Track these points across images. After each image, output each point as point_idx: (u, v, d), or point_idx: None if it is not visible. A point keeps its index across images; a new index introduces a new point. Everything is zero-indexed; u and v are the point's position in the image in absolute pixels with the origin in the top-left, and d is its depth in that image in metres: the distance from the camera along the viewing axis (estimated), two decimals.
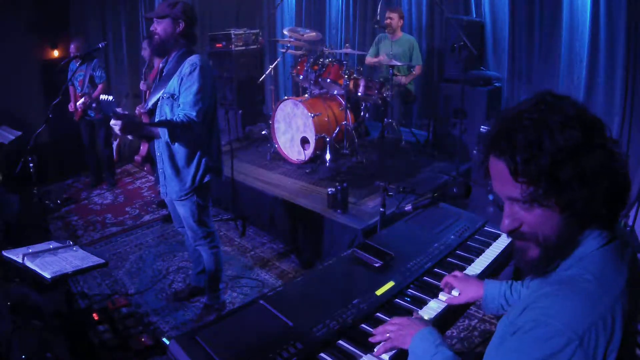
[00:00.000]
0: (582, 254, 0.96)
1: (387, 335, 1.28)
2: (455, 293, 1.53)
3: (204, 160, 2.54)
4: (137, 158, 2.59)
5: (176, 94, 2.39)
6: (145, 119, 2.55)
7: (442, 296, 1.54)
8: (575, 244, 0.97)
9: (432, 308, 1.48)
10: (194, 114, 2.34)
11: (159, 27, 2.40)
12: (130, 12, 6.19)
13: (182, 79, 2.37)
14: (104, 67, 4.96)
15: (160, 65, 2.56)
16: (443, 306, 1.49)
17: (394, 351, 1.27)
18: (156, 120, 2.46)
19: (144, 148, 2.53)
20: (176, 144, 2.45)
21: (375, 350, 1.28)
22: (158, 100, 2.48)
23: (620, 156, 0.94)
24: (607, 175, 0.91)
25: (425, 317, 1.42)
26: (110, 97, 2.23)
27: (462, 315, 2.02)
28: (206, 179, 2.58)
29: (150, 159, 2.63)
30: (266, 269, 3.49)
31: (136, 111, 3.71)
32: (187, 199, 2.57)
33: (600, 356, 0.86)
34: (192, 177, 2.53)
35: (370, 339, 1.30)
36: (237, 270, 3.48)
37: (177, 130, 2.33)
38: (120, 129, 2.20)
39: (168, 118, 2.39)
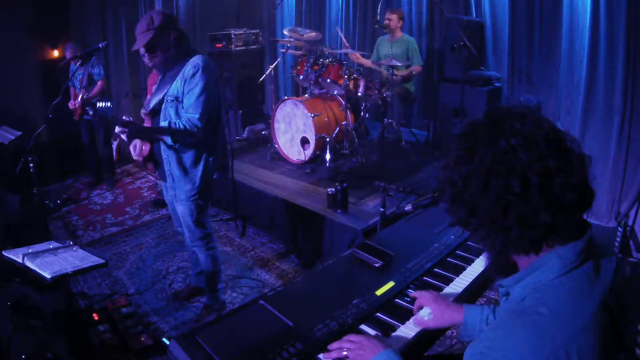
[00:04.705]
0: (537, 283, 0.89)
1: (344, 353, 1.22)
2: (424, 314, 1.38)
3: (211, 159, 2.57)
4: (139, 158, 2.59)
5: (180, 96, 2.39)
6: (147, 120, 2.56)
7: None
8: (529, 269, 0.91)
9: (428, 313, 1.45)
10: (197, 116, 2.34)
11: (155, 51, 2.35)
12: (130, 12, 6.19)
13: (185, 81, 2.36)
14: (102, 64, 4.95)
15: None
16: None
17: None
18: (161, 122, 2.46)
19: (146, 148, 2.53)
20: (182, 146, 2.46)
21: None
22: (161, 101, 2.48)
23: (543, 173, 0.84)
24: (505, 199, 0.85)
25: (425, 315, 1.41)
26: (108, 103, 2.23)
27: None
28: (214, 177, 2.62)
29: (152, 158, 2.63)
30: (266, 269, 3.49)
31: (142, 115, 3.71)
32: (194, 199, 2.58)
33: None
34: (200, 176, 2.55)
35: (324, 355, 1.23)
36: (237, 270, 3.47)
37: (179, 136, 2.36)
38: (127, 137, 2.25)
39: (173, 121, 2.39)
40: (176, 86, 2.40)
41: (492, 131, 0.88)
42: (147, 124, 2.56)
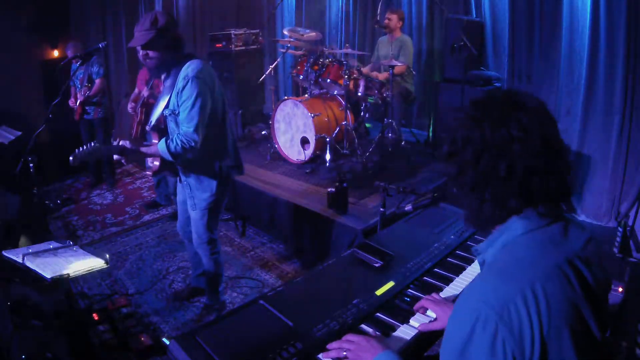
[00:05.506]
0: (505, 242, 1.00)
1: (344, 353, 1.21)
2: (430, 314, 1.40)
3: (224, 162, 2.57)
4: (149, 173, 2.63)
5: (176, 109, 2.38)
6: (154, 135, 2.58)
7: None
8: (499, 231, 1.01)
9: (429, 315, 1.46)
10: (192, 129, 2.32)
11: (151, 51, 2.32)
12: (130, 12, 6.18)
13: (178, 94, 2.35)
14: (102, 63, 4.94)
15: (162, 76, 2.55)
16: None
17: None
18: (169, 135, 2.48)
19: (156, 163, 2.55)
20: (193, 155, 2.46)
21: None
22: (161, 116, 2.49)
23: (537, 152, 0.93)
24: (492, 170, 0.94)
25: (428, 315, 1.41)
26: (91, 143, 2.32)
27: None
28: (232, 176, 2.65)
29: (169, 168, 2.63)
30: (266, 270, 3.49)
31: (129, 108, 3.71)
32: (211, 205, 2.58)
33: (528, 332, 0.85)
34: (217, 183, 2.55)
35: (324, 355, 1.23)
36: (237, 271, 3.47)
37: (177, 153, 2.36)
38: (126, 161, 2.27)
39: (175, 135, 2.39)
40: (172, 100, 2.40)
41: (500, 117, 0.96)
42: (154, 138, 2.60)
